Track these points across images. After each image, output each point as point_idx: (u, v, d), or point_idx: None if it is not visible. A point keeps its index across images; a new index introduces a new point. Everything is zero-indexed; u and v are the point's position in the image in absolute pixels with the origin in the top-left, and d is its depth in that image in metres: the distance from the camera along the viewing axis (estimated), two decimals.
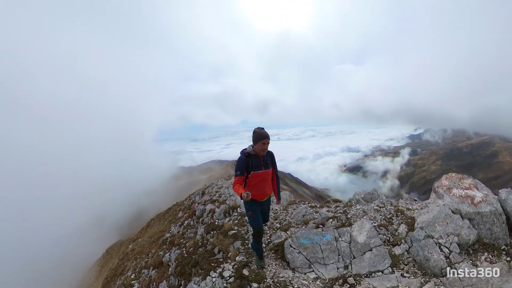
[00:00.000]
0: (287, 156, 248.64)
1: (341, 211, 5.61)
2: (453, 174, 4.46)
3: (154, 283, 6.01)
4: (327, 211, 5.65)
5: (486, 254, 3.60)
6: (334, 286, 3.70)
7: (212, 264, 4.62)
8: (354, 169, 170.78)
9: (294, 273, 4.09)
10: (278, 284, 3.76)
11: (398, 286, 3.46)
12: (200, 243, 5.99)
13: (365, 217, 5.00)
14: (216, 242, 5.30)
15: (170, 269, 5.83)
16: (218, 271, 4.31)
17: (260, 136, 4.01)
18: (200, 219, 7.89)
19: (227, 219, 6.66)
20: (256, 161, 4.07)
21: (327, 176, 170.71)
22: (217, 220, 6.84)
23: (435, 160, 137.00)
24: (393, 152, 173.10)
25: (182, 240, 7.24)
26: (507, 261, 3.49)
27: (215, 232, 6.07)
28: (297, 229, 5.17)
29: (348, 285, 3.64)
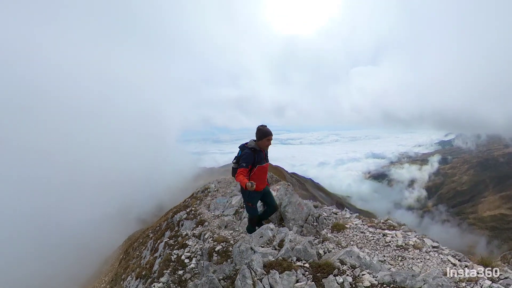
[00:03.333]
0: (309, 160, 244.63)
1: None
2: (282, 182, 7.56)
3: (162, 225, 10.40)
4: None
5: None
6: (215, 217, 7.23)
7: (185, 208, 9.15)
8: (379, 176, 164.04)
9: (210, 211, 8.12)
10: (200, 213, 7.88)
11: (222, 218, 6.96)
12: (186, 204, 10.23)
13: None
14: (191, 202, 9.91)
15: (170, 215, 10.01)
16: (185, 210, 8.59)
17: (266, 133, 4.45)
18: (192, 195, 12.07)
19: (201, 193, 10.98)
20: (260, 155, 4.50)
21: (350, 183, 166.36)
22: (195, 194, 11.40)
23: (467, 169, 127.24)
24: (421, 160, 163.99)
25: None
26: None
27: (193, 199, 10.50)
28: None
29: (218, 218, 7.11)
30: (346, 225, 5.23)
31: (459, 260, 4.13)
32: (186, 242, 5.34)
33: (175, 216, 8.40)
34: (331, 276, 2.50)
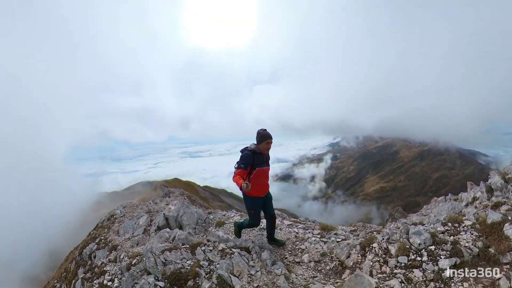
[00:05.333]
0: (219, 172, 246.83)
1: None
2: (179, 197, 8.80)
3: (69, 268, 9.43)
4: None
5: None
6: (127, 240, 7.67)
7: (93, 240, 8.78)
8: (285, 177, 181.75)
9: (120, 236, 8.17)
10: (111, 240, 7.96)
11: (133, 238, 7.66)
12: (93, 236, 9.55)
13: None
14: (98, 232, 9.36)
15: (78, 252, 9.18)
16: (94, 242, 8.42)
17: (265, 137, 4.35)
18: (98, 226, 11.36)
19: (108, 221, 10.60)
20: (260, 158, 4.39)
21: None
22: (101, 223, 10.82)
23: (352, 161, 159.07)
24: (317, 159, 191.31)
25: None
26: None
27: (100, 228, 10.02)
28: None
29: (130, 240, 7.66)
30: (225, 222, 7.06)
31: (306, 230, 5.90)
32: (104, 269, 5.64)
33: (84, 250, 8.15)
34: (198, 247, 4.13)
